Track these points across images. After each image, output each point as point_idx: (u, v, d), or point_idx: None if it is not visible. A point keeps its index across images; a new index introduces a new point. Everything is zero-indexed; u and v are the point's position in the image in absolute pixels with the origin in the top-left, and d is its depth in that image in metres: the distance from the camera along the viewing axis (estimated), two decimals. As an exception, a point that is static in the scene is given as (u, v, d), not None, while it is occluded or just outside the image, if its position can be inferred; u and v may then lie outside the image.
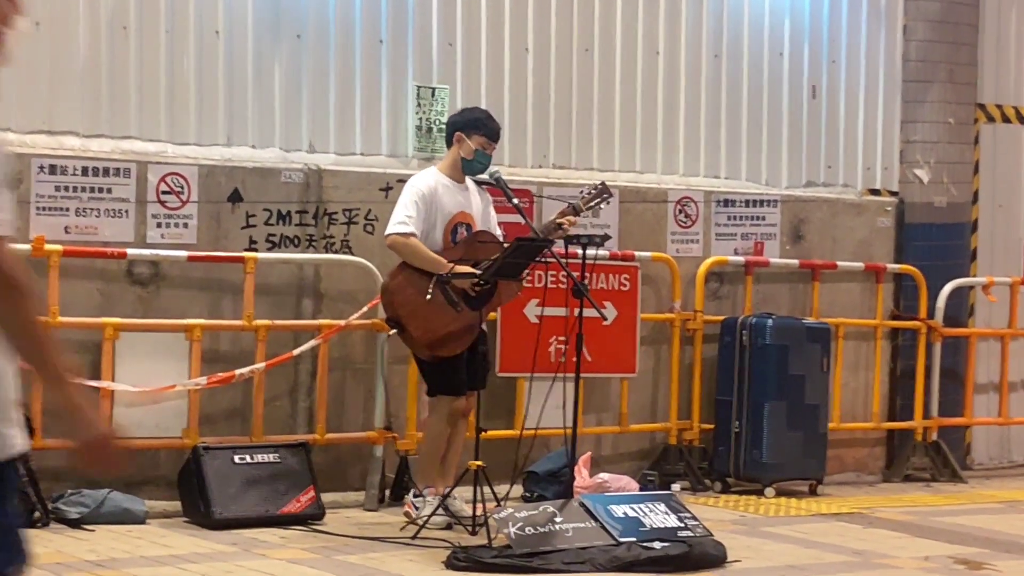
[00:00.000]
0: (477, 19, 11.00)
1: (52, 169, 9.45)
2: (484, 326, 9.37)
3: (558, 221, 9.19)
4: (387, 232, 9.18)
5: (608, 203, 9.99)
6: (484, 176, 9.38)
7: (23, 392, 9.45)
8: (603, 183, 9.61)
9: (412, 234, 9.04)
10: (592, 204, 9.54)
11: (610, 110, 11.56)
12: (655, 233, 11.55)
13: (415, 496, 9.30)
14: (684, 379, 11.47)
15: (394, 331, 9.29)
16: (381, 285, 9.41)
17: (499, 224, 9.55)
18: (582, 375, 9.15)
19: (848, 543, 9.46)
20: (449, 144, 9.38)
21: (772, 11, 12.20)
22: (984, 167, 13.09)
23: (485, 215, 9.39)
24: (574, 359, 9.00)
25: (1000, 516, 10.73)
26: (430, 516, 9.01)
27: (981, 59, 12.96)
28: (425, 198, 9.13)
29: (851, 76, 12.57)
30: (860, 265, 12.30)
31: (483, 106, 10.12)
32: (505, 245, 9.05)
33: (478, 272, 8.96)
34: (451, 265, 8.94)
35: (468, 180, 9.37)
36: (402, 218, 9.09)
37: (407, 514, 9.23)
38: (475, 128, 9.25)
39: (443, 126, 10.54)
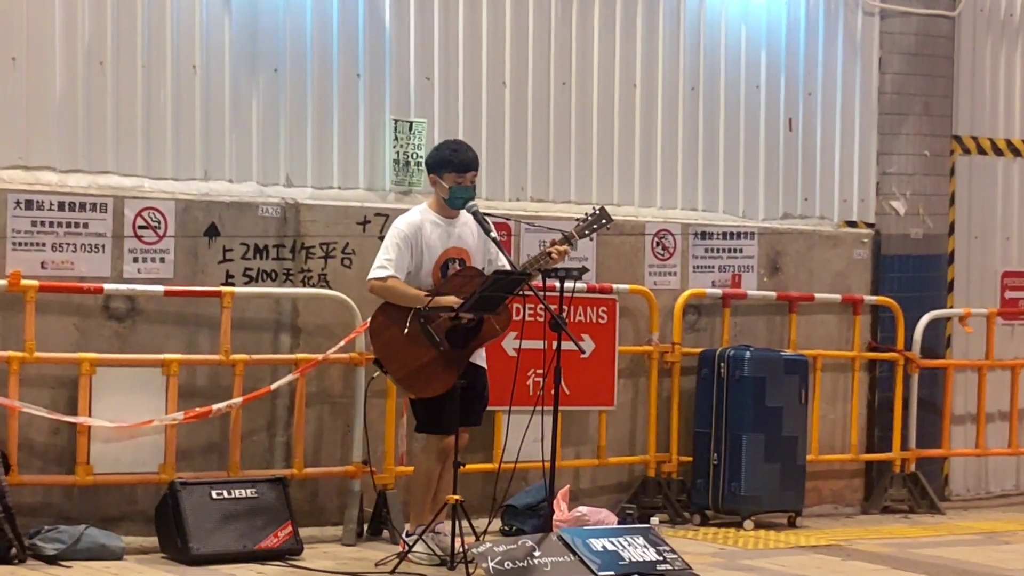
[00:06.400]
0: (454, 53, 11.02)
1: (28, 204, 9.44)
2: (484, 362, 9.33)
3: (548, 251, 9.12)
4: (368, 278, 9.15)
5: (608, 228, 9.79)
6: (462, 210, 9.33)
7: (0, 429, 9.33)
8: (602, 208, 9.46)
9: (391, 277, 9.02)
10: (588, 232, 9.40)
11: (587, 143, 11.58)
12: (633, 266, 11.56)
13: (407, 535, 9.23)
14: (662, 412, 11.47)
15: (377, 373, 9.29)
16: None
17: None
18: (560, 408, 9.13)
19: (827, 575, 9.45)
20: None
21: (748, 44, 12.24)
22: (960, 199, 13.14)
23: (484, 248, 9.32)
24: (552, 392, 8.99)
25: (978, 548, 10.74)
26: (409, 549, 8.97)
27: (956, 91, 13.02)
28: (408, 239, 9.10)
29: (827, 109, 12.61)
30: (837, 297, 12.32)
31: (460, 139, 10.12)
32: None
33: (454, 306, 8.89)
34: (429, 299, 8.90)
35: (463, 213, 9.32)
36: (381, 262, 9.07)
37: (400, 553, 9.11)
38: (443, 167, 9.21)
39: (420, 160, 10.57)
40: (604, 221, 9.36)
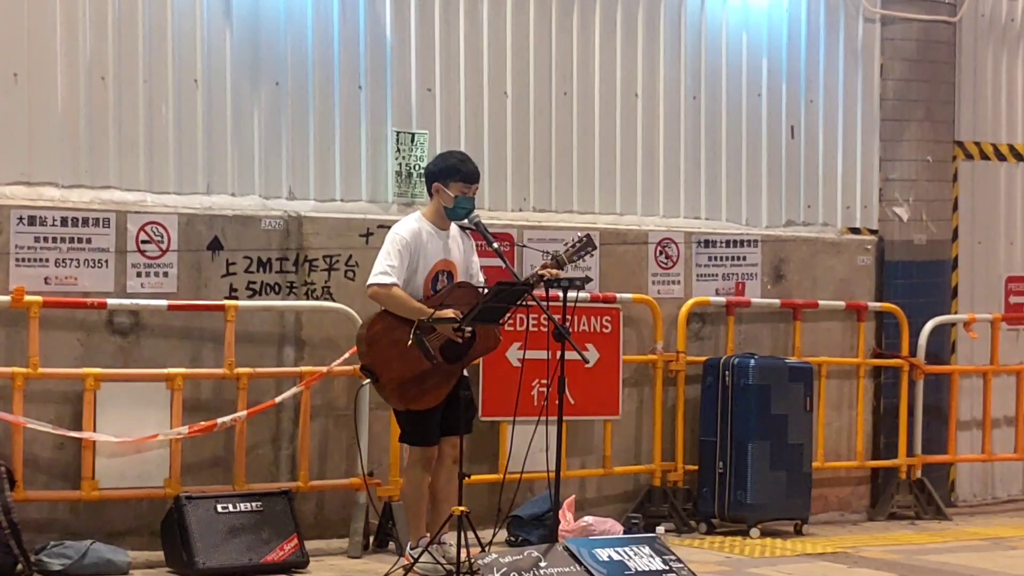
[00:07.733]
0: (456, 64, 11.03)
1: (31, 220, 9.44)
2: (466, 370, 9.33)
3: (540, 273, 9.12)
4: (368, 283, 9.11)
5: (592, 255, 9.92)
6: (464, 221, 9.34)
7: (5, 445, 9.34)
8: (588, 235, 9.51)
9: (394, 284, 8.99)
10: (575, 257, 9.43)
11: (589, 153, 11.58)
12: (636, 275, 11.56)
13: (411, 548, 9.22)
14: (667, 420, 11.46)
15: (368, 381, 9.24)
16: (357, 334, 9.32)
17: (481, 269, 9.49)
18: (565, 418, 9.13)
19: (834, 583, 9.46)
20: (430, 193, 9.33)
21: (750, 52, 12.25)
22: (963, 204, 13.13)
23: (467, 262, 9.34)
24: (557, 402, 8.99)
25: (985, 553, 10.72)
26: (415, 561, 8.97)
27: (958, 97, 13.02)
28: (408, 246, 9.08)
29: (829, 115, 12.61)
30: (841, 304, 12.31)
31: (463, 150, 10.12)
32: (485, 291, 9.01)
33: (458, 317, 8.88)
34: (431, 311, 8.88)
35: (453, 226, 9.32)
36: (384, 268, 9.03)
37: (405, 567, 9.11)
38: (450, 176, 9.20)
39: (423, 171, 10.56)
40: (589, 248, 9.43)
